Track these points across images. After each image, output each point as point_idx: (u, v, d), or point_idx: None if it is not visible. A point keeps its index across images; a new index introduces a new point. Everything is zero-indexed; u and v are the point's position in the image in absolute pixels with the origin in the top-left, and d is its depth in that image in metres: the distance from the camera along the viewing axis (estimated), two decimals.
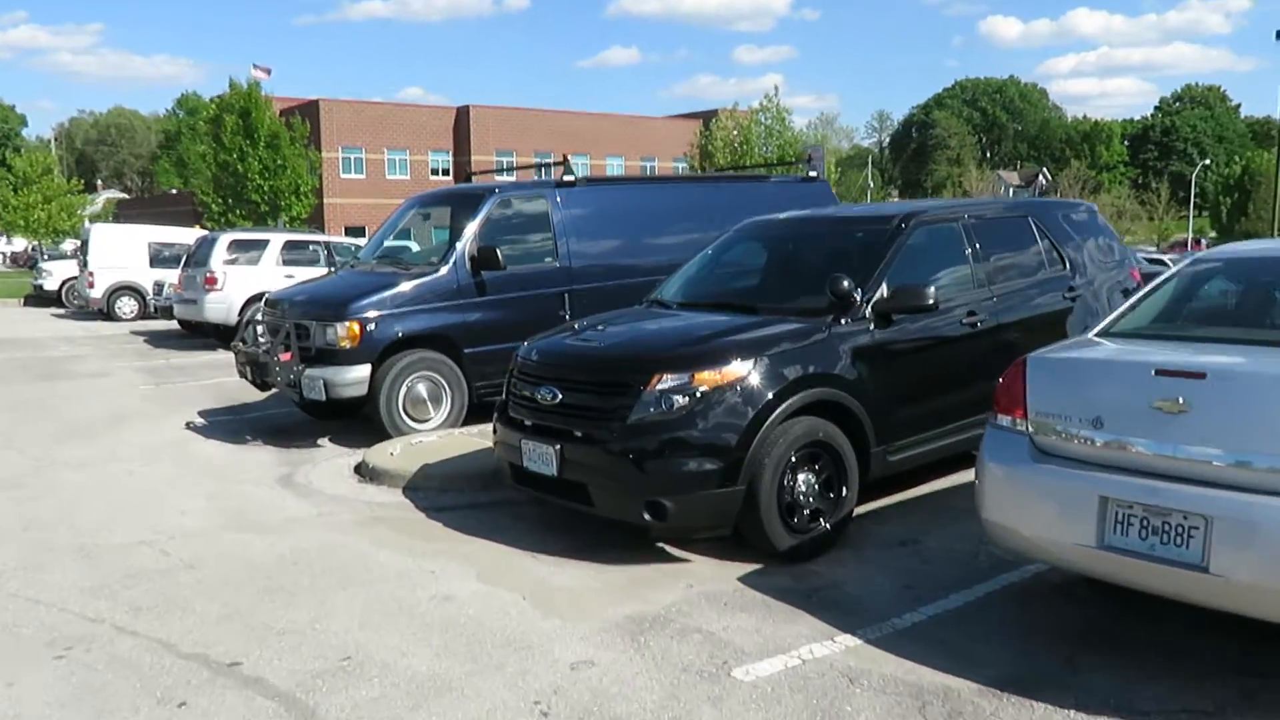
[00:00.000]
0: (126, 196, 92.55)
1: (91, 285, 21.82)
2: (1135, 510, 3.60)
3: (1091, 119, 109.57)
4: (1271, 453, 3.35)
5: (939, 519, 5.98)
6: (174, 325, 18.91)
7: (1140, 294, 4.58)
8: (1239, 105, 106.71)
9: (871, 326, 5.65)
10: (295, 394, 8.45)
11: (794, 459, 5.22)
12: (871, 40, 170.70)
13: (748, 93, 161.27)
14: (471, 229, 8.64)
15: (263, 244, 17.13)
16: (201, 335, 17.41)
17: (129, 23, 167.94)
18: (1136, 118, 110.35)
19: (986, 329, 6.26)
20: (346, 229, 44.10)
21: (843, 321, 5.56)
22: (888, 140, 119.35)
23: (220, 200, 36.29)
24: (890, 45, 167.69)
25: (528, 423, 5.67)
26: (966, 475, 6.82)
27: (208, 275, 16.14)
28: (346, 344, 8.09)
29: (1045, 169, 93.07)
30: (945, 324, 6.03)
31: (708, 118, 49.65)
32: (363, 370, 8.15)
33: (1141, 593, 3.82)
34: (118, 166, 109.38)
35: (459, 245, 8.58)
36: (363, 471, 7.44)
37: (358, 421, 8.94)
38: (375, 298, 8.27)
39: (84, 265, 22.56)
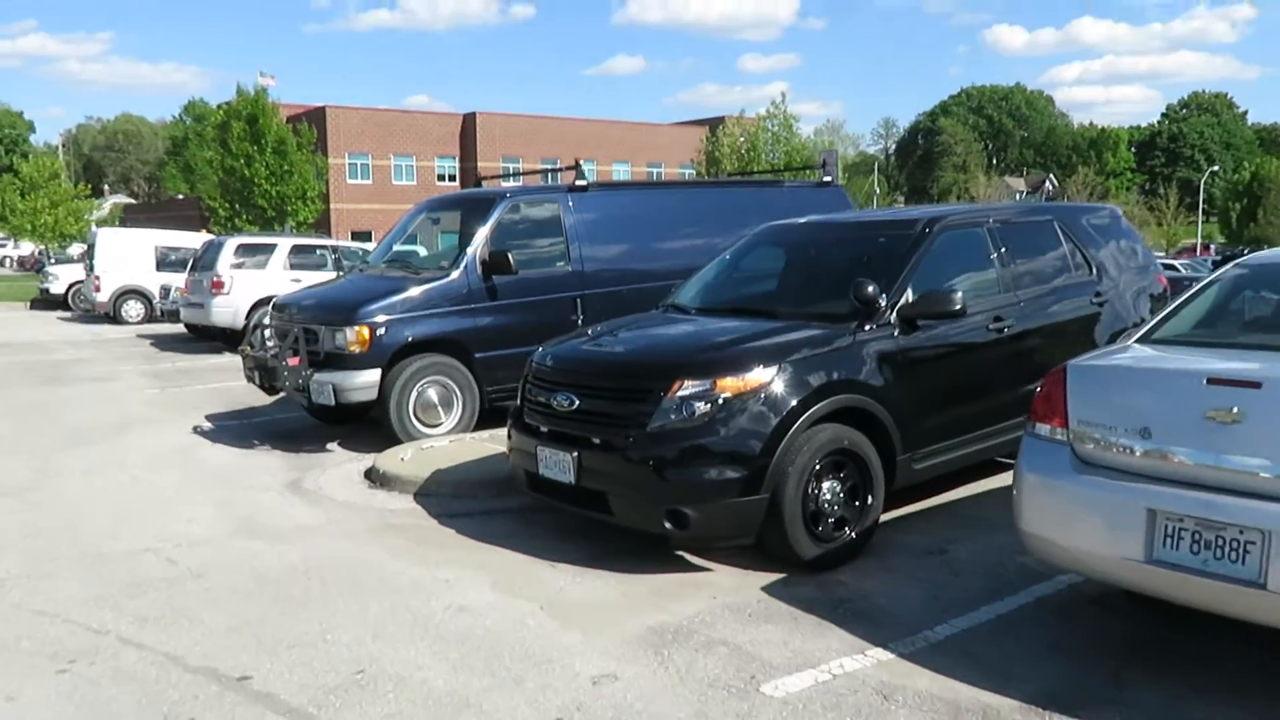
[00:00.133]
0: (133, 201, 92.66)
1: (98, 289, 21.74)
2: (1186, 523, 3.45)
3: (1098, 126, 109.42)
4: None
5: (964, 528, 5.83)
6: (180, 329, 18.83)
7: (1182, 299, 4.43)
8: (1246, 112, 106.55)
9: (896, 332, 5.51)
10: (304, 399, 8.33)
11: (818, 467, 5.07)
12: (876, 49, 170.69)
13: (753, 101, 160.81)
14: (483, 233, 8.51)
15: (270, 248, 17.03)
16: (208, 339, 17.32)
17: (138, 31, 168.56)
18: (1143, 124, 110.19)
19: (1013, 335, 6.11)
20: (353, 234, 44.06)
21: (867, 327, 5.42)
22: (894, 147, 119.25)
23: (227, 205, 36.24)
24: (895, 54, 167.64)
25: (544, 429, 5.53)
26: (988, 483, 6.75)
27: (214, 279, 16.04)
28: (356, 348, 7.96)
29: (1052, 175, 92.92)
30: (971, 330, 5.88)
31: (714, 125, 49.63)
32: (372, 375, 8.01)
33: (1191, 609, 3.66)
34: (125, 172, 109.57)
35: (470, 249, 8.45)
36: (373, 477, 7.30)
37: (366, 426, 8.82)
38: (385, 302, 8.14)
39: (90, 269, 22.48)
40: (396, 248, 9.90)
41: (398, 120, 53.60)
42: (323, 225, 44.58)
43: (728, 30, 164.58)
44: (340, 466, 7.80)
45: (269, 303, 11.86)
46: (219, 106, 40.37)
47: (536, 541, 5.75)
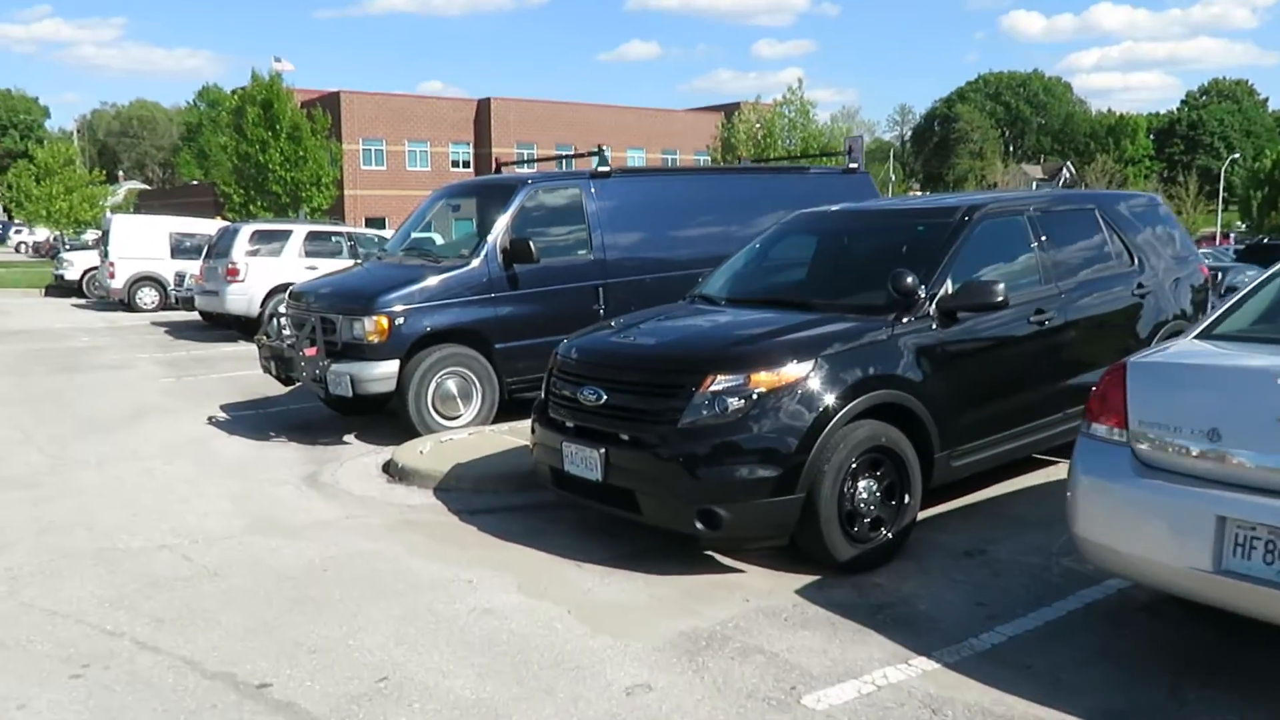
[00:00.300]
0: (148, 188, 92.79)
1: (112, 275, 21.66)
2: (1259, 532, 3.24)
3: (1116, 113, 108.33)
4: None
5: (1003, 528, 5.64)
6: (195, 316, 18.74)
7: (1243, 292, 4.20)
8: (1266, 99, 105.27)
9: (935, 325, 5.30)
10: (320, 389, 8.18)
11: (854, 465, 4.89)
12: (892, 34, 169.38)
13: (767, 87, 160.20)
14: (504, 221, 8.33)
15: (285, 235, 16.90)
16: (223, 327, 17.22)
17: (151, 16, 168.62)
18: (1162, 112, 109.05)
19: (1054, 327, 5.90)
20: (367, 220, 43.94)
21: (905, 320, 5.22)
22: (909, 134, 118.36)
23: (241, 191, 36.17)
24: (911, 39, 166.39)
25: (569, 424, 5.35)
26: (1024, 480, 6.55)
27: (229, 266, 15.91)
28: (374, 339, 7.79)
29: (1069, 163, 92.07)
30: (1013, 322, 5.67)
31: (729, 111, 49.25)
32: (391, 366, 7.85)
33: (1263, 622, 3.46)
34: (139, 158, 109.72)
35: (490, 237, 8.26)
36: (391, 471, 7.15)
37: (383, 417, 8.66)
38: (404, 291, 7.97)
39: (105, 256, 22.42)
40: (415, 235, 9.72)
41: (412, 105, 53.44)
42: (337, 211, 44.51)
43: (742, 15, 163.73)
44: (357, 459, 7.65)
45: (284, 290, 11.74)
46: (233, 92, 40.29)
47: (560, 540, 5.58)
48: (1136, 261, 6.61)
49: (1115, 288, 6.40)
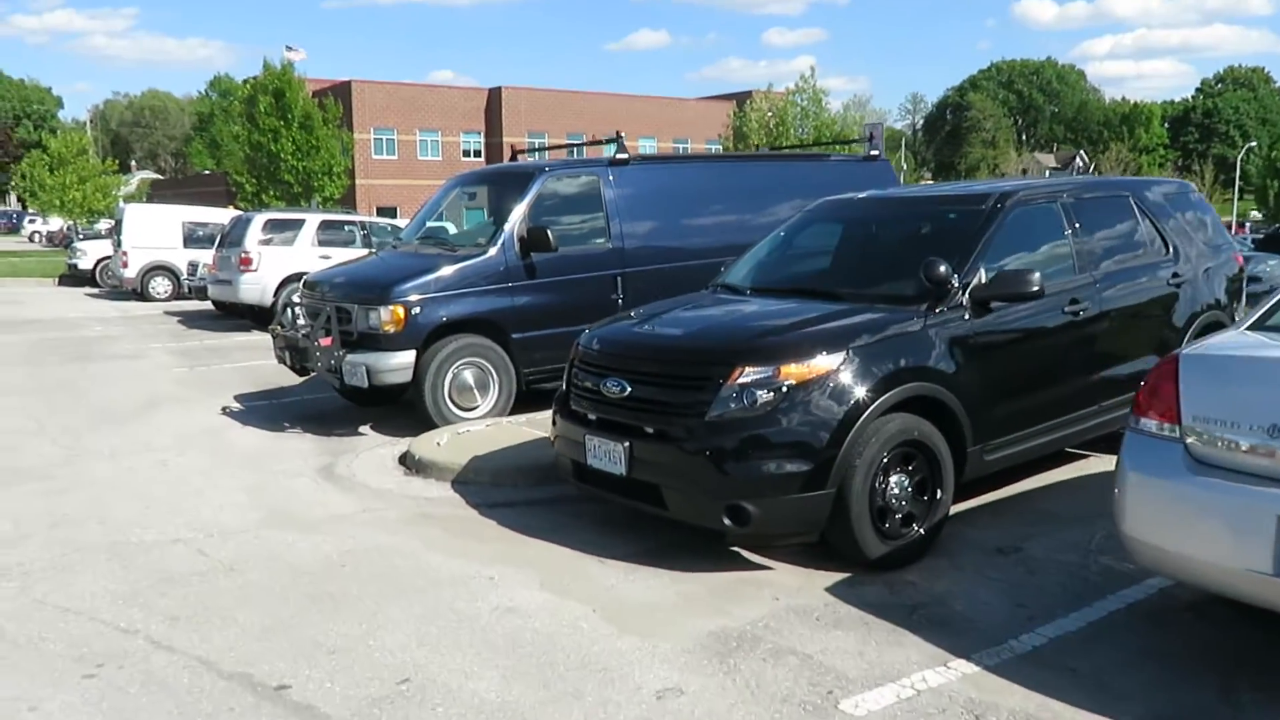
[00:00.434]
0: (160, 177, 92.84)
1: (125, 265, 21.61)
2: None
3: (1130, 101, 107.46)
4: None
5: (1036, 524, 5.49)
6: (208, 306, 18.69)
7: None
8: None
9: (968, 315, 5.15)
10: (336, 380, 8.06)
11: (886, 459, 4.74)
12: (902, 22, 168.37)
13: (778, 75, 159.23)
14: (521, 209, 8.18)
15: (298, 224, 16.79)
16: (236, 316, 17.14)
17: (163, 6, 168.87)
18: (1176, 99, 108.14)
19: (1089, 318, 5.73)
20: (378, 210, 43.83)
21: (938, 310, 5.06)
22: (921, 123, 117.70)
23: (254, 181, 36.08)
24: (922, 27, 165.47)
25: (592, 417, 5.22)
26: (1055, 475, 6.40)
27: (243, 255, 15.82)
28: (390, 328, 7.67)
29: (1082, 151, 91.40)
30: (1046, 312, 5.50)
31: (741, 99, 48.96)
32: (407, 356, 7.73)
33: None
34: (152, 148, 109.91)
35: (508, 226, 8.12)
36: (408, 463, 7.03)
37: (399, 408, 8.55)
38: (420, 280, 7.84)
39: (118, 245, 22.36)
40: (430, 224, 9.59)
41: (423, 95, 53.31)
42: (348, 201, 44.43)
43: (752, 4, 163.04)
44: (373, 451, 7.53)
45: (297, 280, 11.62)
46: (245, 81, 40.10)
47: (582, 535, 5.46)
48: (1171, 250, 6.43)
49: (1150, 277, 6.23)
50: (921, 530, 4.92)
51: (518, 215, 8.16)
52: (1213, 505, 3.34)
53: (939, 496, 4.97)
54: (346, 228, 17.43)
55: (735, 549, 5.14)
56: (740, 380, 4.65)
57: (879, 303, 5.23)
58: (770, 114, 42.40)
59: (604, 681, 3.74)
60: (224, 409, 9.29)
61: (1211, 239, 6.98)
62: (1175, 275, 6.38)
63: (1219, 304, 6.69)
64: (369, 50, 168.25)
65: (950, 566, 4.91)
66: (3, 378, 11.24)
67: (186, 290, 20.34)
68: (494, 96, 54.28)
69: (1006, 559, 5.01)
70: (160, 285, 21.75)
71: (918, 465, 4.91)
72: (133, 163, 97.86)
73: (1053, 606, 4.39)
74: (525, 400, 8.30)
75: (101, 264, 25.59)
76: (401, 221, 17.28)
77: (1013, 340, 5.40)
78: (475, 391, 8.07)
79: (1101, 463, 6.65)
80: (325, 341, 7.91)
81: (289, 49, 39.18)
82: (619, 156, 8.75)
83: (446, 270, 7.95)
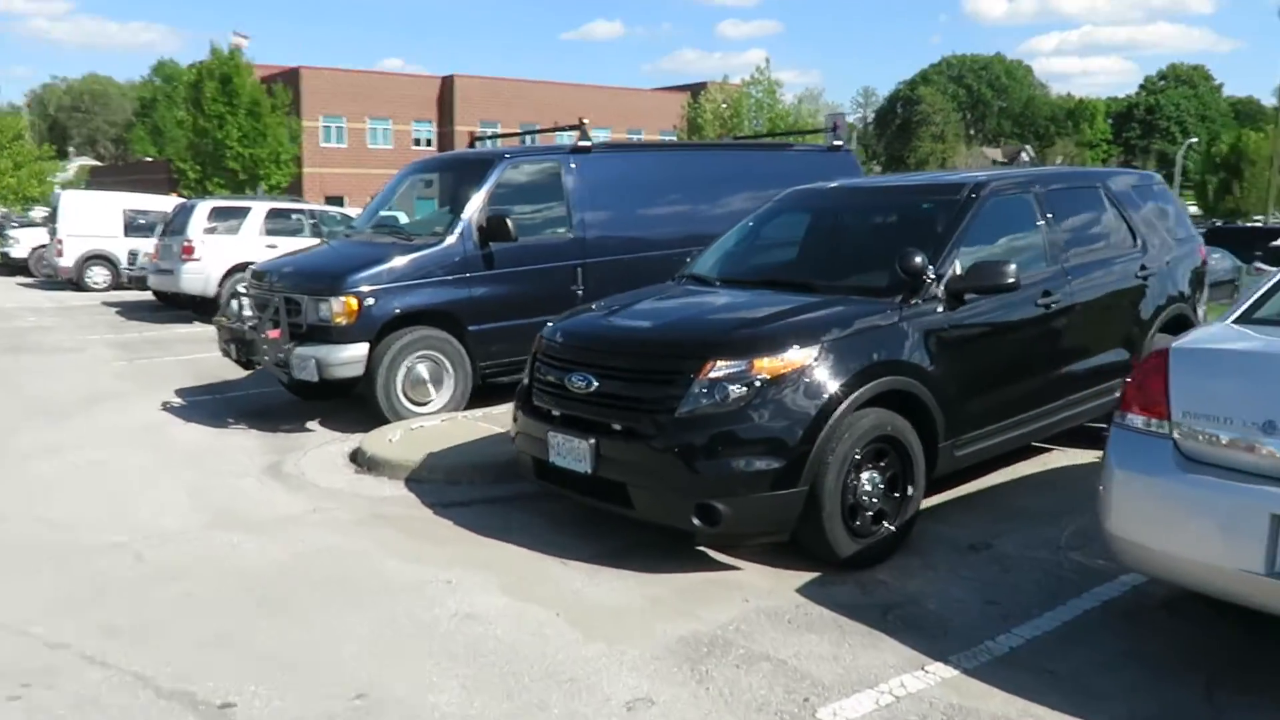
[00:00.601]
0: (100, 164, 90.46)
1: (61, 254, 20.88)
2: None
3: (1076, 97, 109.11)
4: None
5: (1005, 519, 5.40)
6: (148, 296, 18.10)
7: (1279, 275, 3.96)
8: (1222, 85, 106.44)
9: (942, 307, 5.03)
10: (284, 374, 7.77)
11: (858, 456, 4.60)
12: (855, 15, 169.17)
13: (732, 68, 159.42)
14: (480, 197, 7.93)
15: (244, 212, 16.31)
16: (178, 307, 16.63)
17: None
18: (1120, 96, 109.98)
19: (1060, 310, 5.65)
20: (326, 198, 43.03)
21: (913, 302, 4.93)
22: (872, 116, 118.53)
23: (198, 168, 35.26)
24: (874, 21, 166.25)
25: (555, 413, 5.02)
26: (1022, 469, 6.33)
27: (185, 244, 15.33)
28: (342, 320, 7.39)
29: (1029, 146, 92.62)
30: (1020, 304, 5.40)
31: (696, 90, 48.92)
32: (359, 349, 7.45)
33: None
34: (91, 134, 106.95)
35: (466, 214, 7.87)
36: (359, 460, 6.77)
37: (349, 403, 8.25)
38: (373, 270, 7.56)
39: (53, 233, 21.61)
40: (384, 212, 9.30)
41: (374, 82, 52.51)
42: (295, 189, 43.61)
43: None
44: (322, 448, 7.26)
45: (244, 270, 11.26)
46: (190, 66, 39.18)
47: (543, 535, 5.26)
48: (1139, 242, 6.38)
49: (1119, 269, 6.17)
50: (893, 528, 4.80)
51: (476, 203, 7.91)
52: (1204, 503, 3.24)
53: (910, 493, 4.85)
54: (295, 216, 16.99)
55: (702, 549, 4.98)
56: (712, 374, 4.48)
57: (852, 294, 5.10)
58: (725, 105, 42.42)
59: (571, 692, 3.56)
60: (165, 404, 8.92)
61: (1175, 231, 6.95)
62: (1143, 268, 6.33)
63: (1183, 296, 6.66)
64: (318, 36, 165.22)
65: (922, 565, 4.80)
66: None
67: (126, 280, 19.73)
68: (447, 85, 53.61)
69: (978, 556, 4.91)
70: (98, 275, 21.06)
71: (890, 461, 4.78)
72: (70, 149, 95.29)
73: (1027, 605, 4.29)
74: (482, 395, 8.08)
75: (36, 252, 24.74)
76: (352, 210, 16.87)
77: (986, 333, 5.30)
78: (430, 386, 7.82)
79: (1066, 457, 6.61)
80: (273, 334, 7.60)
81: (236, 34, 38.31)
82: (581, 144, 8.53)
83: (401, 260, 7.68)
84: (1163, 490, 3.37)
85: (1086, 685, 3.58)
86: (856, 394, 4.55)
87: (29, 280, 24.34)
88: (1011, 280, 4.93)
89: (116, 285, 20.73)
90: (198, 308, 15.67)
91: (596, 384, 4.79)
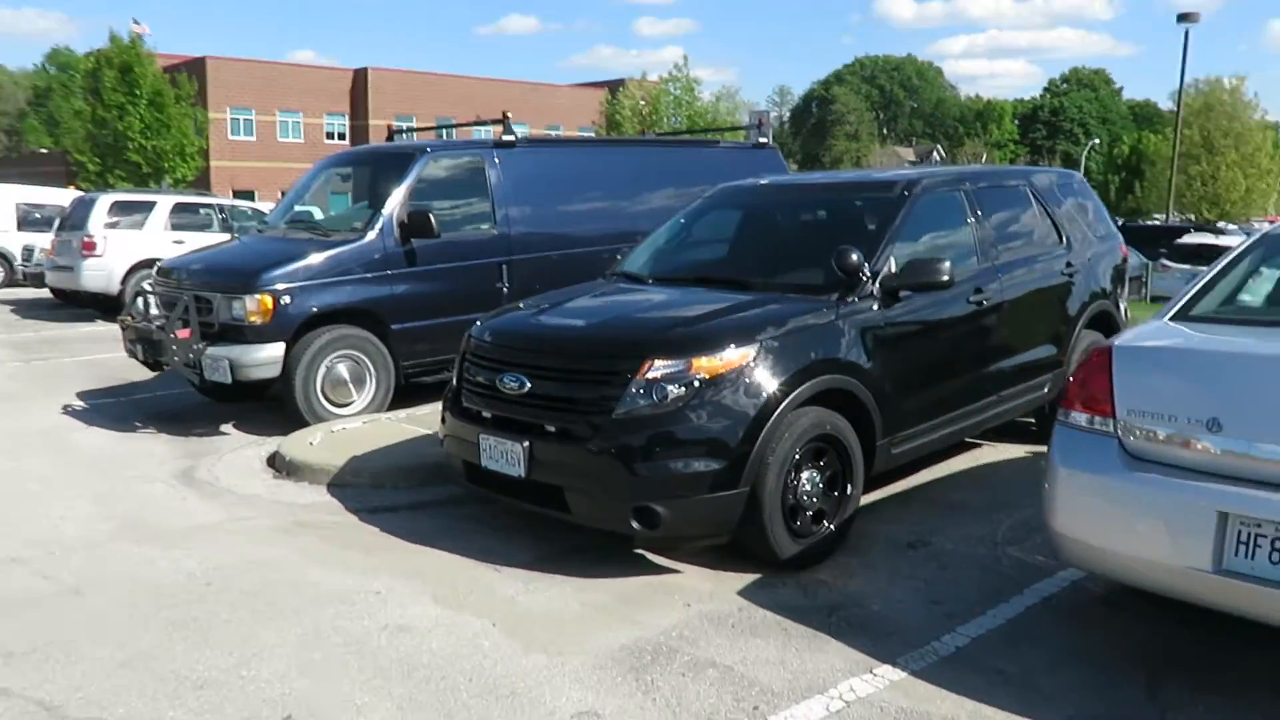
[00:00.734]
0: None
1: None
2: (1265, 529, 3.01)
3: (984, 98, 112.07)
4: None
5: (940, 516, 5.41)
6: (45, 294, 17.24)
7: (1212, 272, 4.01)
8: (1121, 88, 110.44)
9: (877, 305, 5.00)
10: (195, 375, 7.41)
11: (798, 455, 4.54)
12: (770, 15, 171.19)
13: (649, 65, 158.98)
14: (401, 192, 7.68)
15: (148, 206, 15.63)
16: (78, 305, 15.87)
17: None
18: (1026, 98, 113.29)
19: (991, 307, 5.68)
20: (234, 192, 41.75)
21: (850, 299, 4.89)
22: (788, 115, 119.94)
23: (97, 160, 33.84)
24: (789, 20, 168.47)
25: (486, 415, 4.85)
26: (954, 465, 6.36)
27: (86, 239, 14.63)
28: (257, 319, 7.07)
29: (939, 146, 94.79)
30: (953, 302, 5.41)
31: (614, 87, 48.78)
32: (275, 349, 7.15)
33: (1262, 624, 3.23)
34: None
35: (386, 210, 7.61)
36: (278, 465, 6.49)
37: (264, 404, 7.92)
38: (289, 267, 7.25)
39: None
40: (299, 207, 8.96)
41: (284, 74, 51.15)
42: (203, 183, 42.23)
43: None
44: (238, 452, 6.94)
45: (149, 266, 10.77)
46: (88, 55, 37.57)
47: (474, 540, 5.08)
48: (1064, 240, 6.47)
49: (1046, 266, 6.24)
50: (832, 527, 4.76)
51: (397, 199, 7.66)
52: (1150, 501, 3.24)
53: (850, 492, 4.81)
54: (203, 211, 16.35)
55: (640, 551, 4.87)
56: (650, 374, 4.37)
57: (789, 292, 5.05)
58: (644, 102, 42.40)
59: (512, 707, 3.41)
60: (66, 407, 8.46)
61: (1096, 227, 7.06)
62: (1069, 265, 6.41)
63: (1105, 293, 6.78)
64: (224, 27, 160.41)
65: (862, 564, 4.76)
66: None
67: (21, 277, 18.76)
68: (359, 78, 52.52)
69: (917, 554, 4.89)
70: None
71: (829, 460, 4.74)
72: None
73: (970, 603, 4.28)
74: (405, 395, 7.84)
75: None
76: (264, 205, 16.32)
77: (920, 330, 5.29)
78: (351, 386, 7.55)
79: (995, 452, 6.67)
80: (183, 333, 7.24)
81: (136, 22, 36.87)
82: (505, 139, 8.34)
83: (319, 257, 7.39)
84: (1109, 488, 3.37)
85: (1034, 684, 3.56)
86: (796, 393, 4.49)
87: None
88: (946, 278, 4.92)
89: (10, 282, 19.72)
90: (100, 306, 14.99)
91: (529, 385, 4.64)
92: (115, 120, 33.07)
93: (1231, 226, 30.66)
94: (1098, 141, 79.77)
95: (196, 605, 4.25)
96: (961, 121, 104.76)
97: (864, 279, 4.92)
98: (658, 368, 4.36)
